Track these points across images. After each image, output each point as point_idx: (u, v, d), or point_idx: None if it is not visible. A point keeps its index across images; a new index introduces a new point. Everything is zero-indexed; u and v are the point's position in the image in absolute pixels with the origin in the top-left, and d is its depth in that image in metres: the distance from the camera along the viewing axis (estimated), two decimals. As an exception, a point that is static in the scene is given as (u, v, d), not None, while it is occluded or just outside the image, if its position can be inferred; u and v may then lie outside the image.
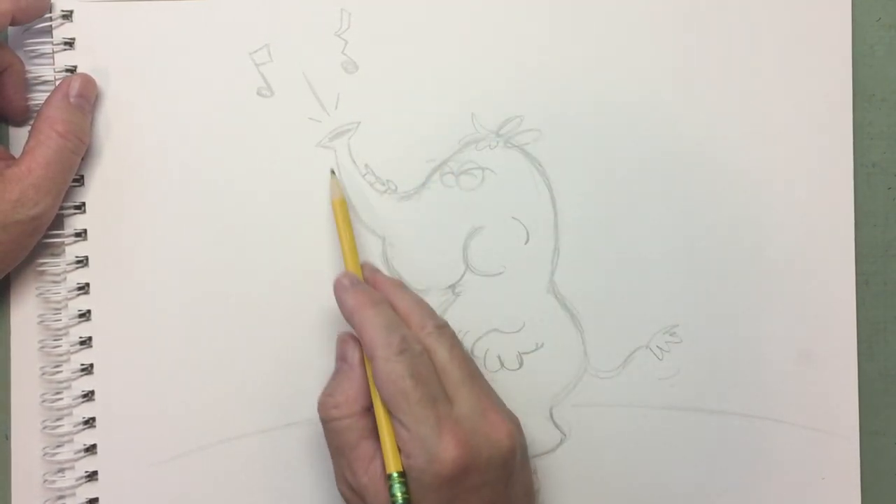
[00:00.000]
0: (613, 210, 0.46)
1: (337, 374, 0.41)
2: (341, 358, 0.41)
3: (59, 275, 0.45)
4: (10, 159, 0.44)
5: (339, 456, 0.39)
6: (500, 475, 0.38)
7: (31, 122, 0.45)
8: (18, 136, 0.46)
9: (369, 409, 0.39)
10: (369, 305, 0.40)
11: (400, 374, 0.38)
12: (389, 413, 0.38)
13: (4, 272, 0.44)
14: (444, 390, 0.38)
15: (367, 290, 0.41)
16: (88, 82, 0.44)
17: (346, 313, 0.41)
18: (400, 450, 0.38)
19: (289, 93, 0.46)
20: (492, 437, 0.38)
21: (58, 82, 0.45)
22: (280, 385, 0.45)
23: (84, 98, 0.44)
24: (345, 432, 0.39)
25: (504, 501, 0.38)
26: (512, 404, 0.45)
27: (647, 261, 0.45)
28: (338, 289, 0.41)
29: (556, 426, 0.46)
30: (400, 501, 0.37)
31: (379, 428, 0.39)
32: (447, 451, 0.37)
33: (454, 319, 0.45)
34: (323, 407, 0.40)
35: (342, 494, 0.40)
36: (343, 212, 0.44)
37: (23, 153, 0.43)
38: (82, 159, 0.45)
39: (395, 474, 0.38)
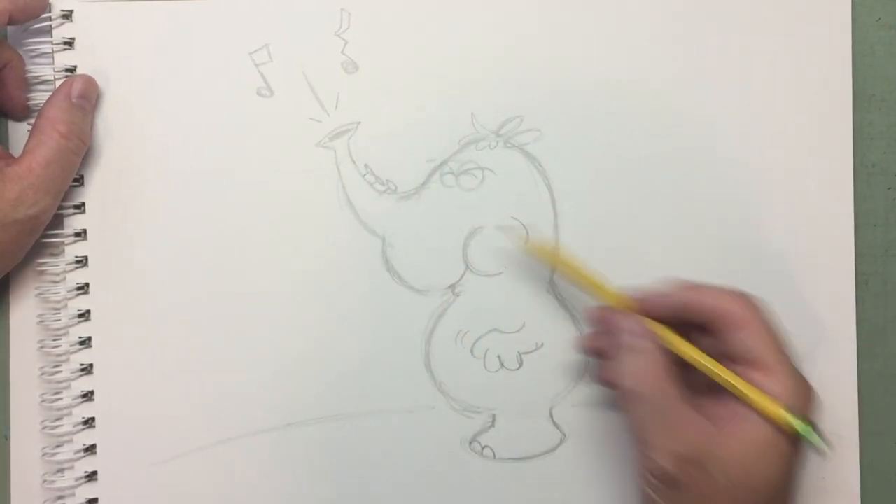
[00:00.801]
0: (613, 210, 0.46)
1: (631, 349, 0.40)
2: (634, 334, 0.40)
3: (58, 275, 0.45)
4: (10, 158, 0.44)
5: (662, 425, 0.38)
6: None
7: (32, 121, 0.45)
8: (18, 135, 0.46)
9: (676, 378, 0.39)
10: None
11: (768, 323, 0.39)
12: (744, 362, 0.38)
13: (3, 271, 0.44)
14: None
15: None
16: (90, 83, 0.44)
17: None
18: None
19: (289, 93, 0.46)
20: None
21: (58, 82, 0.45)
22: (280, 385, 0.45)
23: (85, 99, 0.44)
24: (666, 398, 0.38)
25: None
26: (512, 404, 0.45)
27: (646, 261, 0.45)
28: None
29: (556, 426, 0.46)
30: (810, 438, 0.37)
31: (732, 382, 0.38)
32: (811, 391, 0.38)
33: (454, 319, 0.45)
34: (624, 380, 0.39)
35: (660, 468, 0.37)
36: (566, 259, 0.43)
37: (23, 152, 0.43)
38: (82, 159, 0.45)
39: (790, 415, 0.37)
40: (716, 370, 0.39)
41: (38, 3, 0.44)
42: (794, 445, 0.38)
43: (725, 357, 0.39)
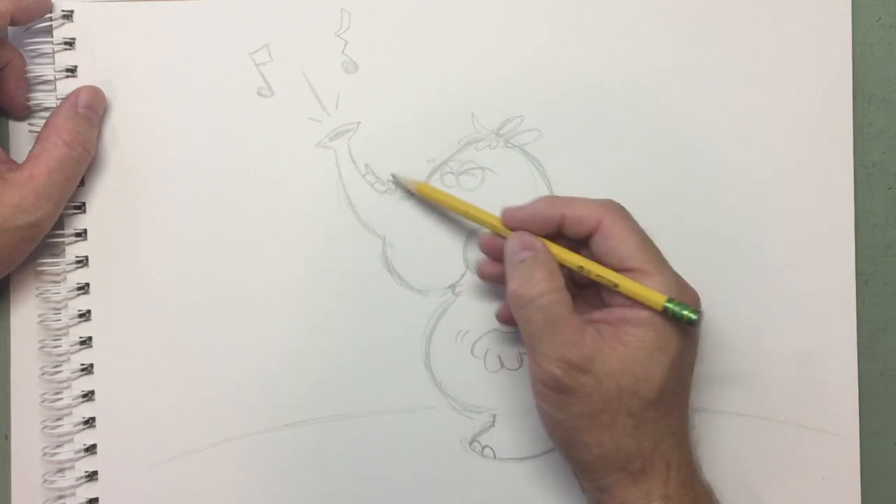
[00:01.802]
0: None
1: (522, 263, 0.40)
2: (525, 248, 0.40)
3: (59, 275, 0.45)
4: (12, 164, 0.44)
5: (551, 333, 0.38)
6: None
7: (32, 122, 0.45)
8: (18, 136, 0.46)
9: (565, 287, 0.39)
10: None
11: (635, 228, 0.40)
12: (623, 269, 0.39)
13: (1, 276, 0.44)
14: None
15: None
16: (97, 94, 0.44)
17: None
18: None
19: (289, 93, 0.46)
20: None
21: (58, 83, 0.45)
22: (280, 385, 0.45)
23: (92, 109, 0.44)
24: (554, 306, 0.38)
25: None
26: (512, 404, 0.45)
27: (647, 261, 0.45)
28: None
29: (556, 426, 0.45)
30: (694, 316, 0.38)
31: (615, 280, 0.39)
32: (690, 291, 0.40)
33: (454, 319, 0.45)
34: (523, 289, 0.39)
35: (550, 374, 0.38)
36: (434, 190, 0.44)
37: (27, 159, 0.43)
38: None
39: (670, 300, 0.38)
40: (599, 270, 0.39)
41: (40, 5, 0.44)
42: (680, 344, 0.39)
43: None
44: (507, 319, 0.44)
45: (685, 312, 0.38)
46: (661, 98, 0.46)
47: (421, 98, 0.46)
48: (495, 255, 0.43)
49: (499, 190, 0.46)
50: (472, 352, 0.46)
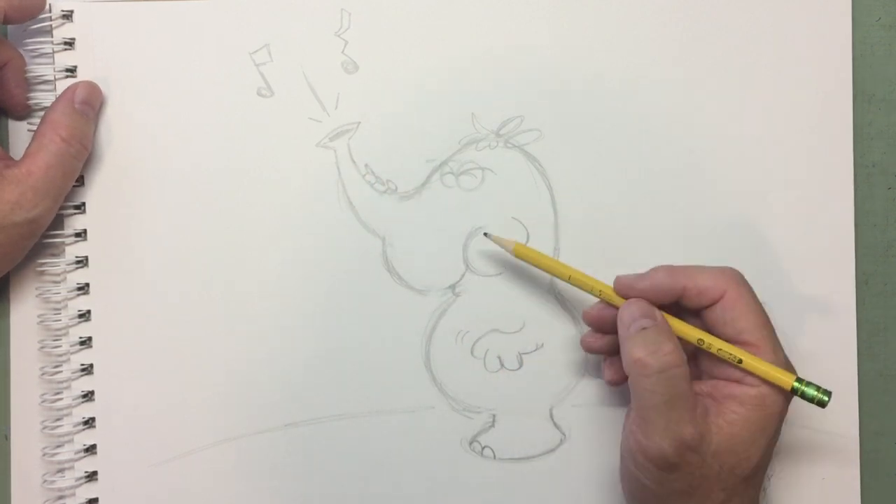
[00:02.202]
0: (613, 210, 0.46)
1: (645, 332, 0.39)
2: (646, 316, 0.39)
3: (59, 275, 0.45)
4: (10, 161, 0.44)
5: (671, 408, 0.37)
6: None
7: (32, 121, 0.45)
8: (18, 135, 0.46)
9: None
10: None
11: (756, 301, 0.39)
12: (738, 343, 0.39)
13: (1, 273, 0.44)
14: None
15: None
16: (93, 89, 0.44)
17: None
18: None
19: (289, 93, 0.46)
20: None
21: (58, 83, 0.45)
22: (280, 385, 0.45)
23: (88, 105, 0.44)
24: (681, 380, 0.38)
25: None
26: (512, 404, 0.45)
27: (646, 261, 0.45)
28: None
29: (556, 426, 0.46)
30: (826, 399, 0.38)
31: (739, 356, 0.39)
32: (792, 367, 0.40)
33: (454, 319, 0.45)
34: (651, 358, 0.38)
35: (660, 451, 0.37)
36: (534, 252, 0.43)
37: (24, 156, 0.43)
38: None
39: (799, 381, 0.38)
40: (720, 345, 0.39)
41: (34, 4, 0.44)
42: (778, 423, 0.39)
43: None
44: (613, 380, 0.43)
45: (816, 393, 0.38)
46: (661, 98, 0.46)
47: (421, 98, 0.46)
48: (599, 324, 0.42)
49: (499, 190, 0.46)
50: (472, 352, 0.46)
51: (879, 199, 0.46)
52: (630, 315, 0.40)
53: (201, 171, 0.46)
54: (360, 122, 0.46)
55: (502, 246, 0.43)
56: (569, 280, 0.42)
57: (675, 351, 0.38)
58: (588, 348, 0.43)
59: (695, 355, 0.41)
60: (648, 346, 0.38)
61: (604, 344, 0.43)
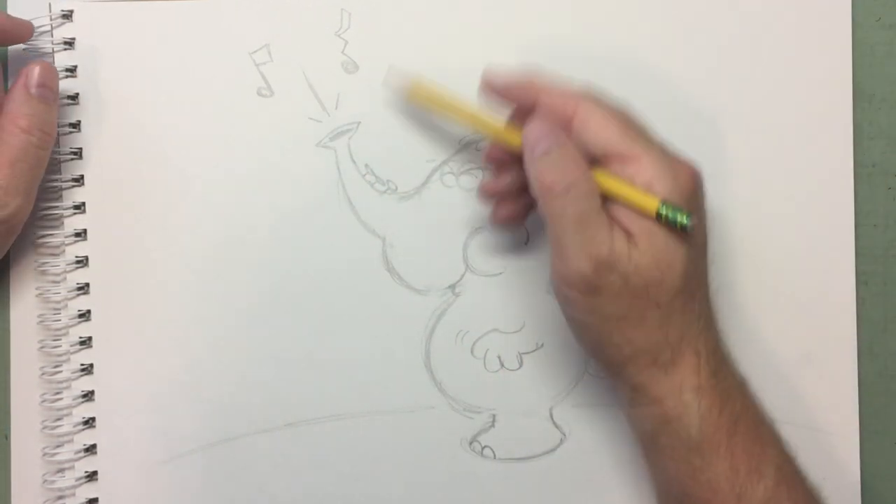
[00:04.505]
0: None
1: (548, 154, 0.38)
2: (548, 135, 0.38)
3: (59, 275, 0.45)
4: None
5: (583, 227, 0.37)
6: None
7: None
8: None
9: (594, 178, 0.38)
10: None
11: (613, 113, 0.38)
12: (610, 157, 0.38)
13: None
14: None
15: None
16: (48, 70, 0.42)
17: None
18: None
19: (289, 93, 0.46)
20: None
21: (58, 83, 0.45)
22: (280, 385, 0.45)
23: (46, 87, 0.42)
24: (588, 198, 0.37)
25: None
26: (512, 404, 0.45)
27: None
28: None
29: (556, 426, 0.46)
30: (686, 222, 0.36)
31: (610, 182, 0.38)
32: (684, 166, 0.38)
33: (454, 319, 0.45)
34: (555, 177, 0.37)
35: (578, 272, 0.37)
36: (429, 89, 0.42)
37: None
38: (81, 159, 0.45)
39: (663, 204, 0.37)
40: (597, 178, 0.38)
41: (23, 28, 0.43)
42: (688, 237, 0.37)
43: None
44: (507, 216, 0.43)
45: (679, 217, 0.36)
46: (661, 98, 0.46)
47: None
48: (499, 161, 0.42)
49: (499, 190, 0.46)
50: (472, 352, 0.46)
51: (879, 199, 0.46)
52: (534, 137, 0.38)
53: (201, 170, 0.45)
54: (360, 122, 0.46)
55: (398, 84, 0.43)
56: (467, 119, 0.41)
57: (578, 168, 0.37)
58: (489, 192, 0.43)
59: None
60: (554, 167, 0.37)
61: (503, 185, 0.42)
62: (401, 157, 0.46)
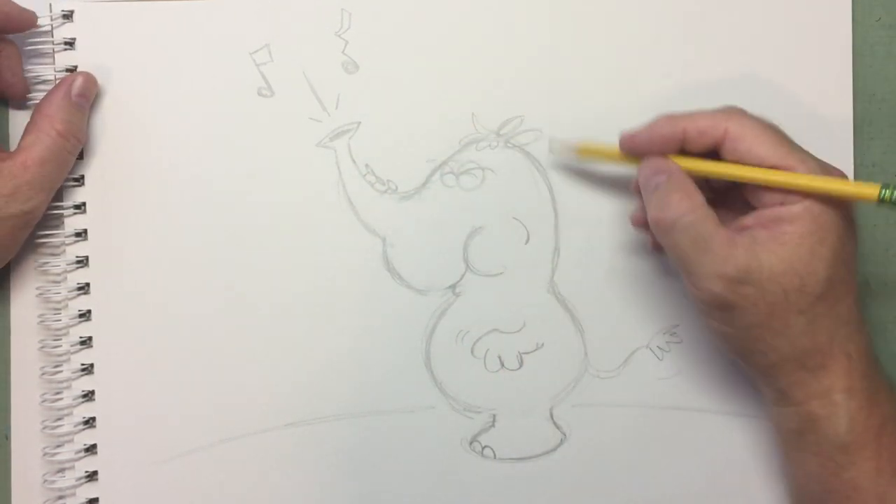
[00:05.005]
0: (613, 210, 0.45)
1: (658, 190, 0.39)
2: (657, 173, 0.39)
3: (59, 275, 0.45)
4: (3, 153, 0.43)
5: (702, 252, 0.38)
6: None
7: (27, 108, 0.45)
8: (19, 130, 0.46)
9: (706, 204, 0.39)
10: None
11: (764, 125, 0.39)
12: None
13: (0, 264, 0.44)
14: None
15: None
16: (90, 81, 0.44)
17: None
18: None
19: (289, 93, 0.46)
20: None
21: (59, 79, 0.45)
22: (280, 385, 0.45)
23: (85, 97, 0.44)
24: (698, 224, 0.38)
25: None
26: (512, 404, 0.45)
27: (646, 260, 0.45)
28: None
29: (556, 426, 0.46)
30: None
31: (763, 177, 0.38)
32: (837, 173, 0.39)
33: (454, 319, 0.45)
34: (661, 215, 0.38)
35: (710, 293, 0.38)
36: (595, 147, 0.43)
37: (19, 148, 0.42)
38: (82, 159, 0.45)
39: (884, 188, 0.37)
40: (742, 172, 0.39)
41: (25, 17, 0.44)
42: (839, 230, 0.38)
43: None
44: (657, 247, 0.43)
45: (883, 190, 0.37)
46: (661, 98, 0.46)
47: (421, 98, 0.46)
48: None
49: (499, 190, 0.46)
50: (472, 352, 0.46)
51: (879, 199, 0.46)
52: (644, 176, 0.40)
53: (201, 170, 0.46)
54: (360, 122, 0.46)
55: (564, 152, 0.44)
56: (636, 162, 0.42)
57: (684, 199, 0.38)
58: (638, 223, 0.44)
59: (736, 191, 0.41)
60: (658, 203, 0.39)
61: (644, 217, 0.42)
62: (401, 157, 0.46)
